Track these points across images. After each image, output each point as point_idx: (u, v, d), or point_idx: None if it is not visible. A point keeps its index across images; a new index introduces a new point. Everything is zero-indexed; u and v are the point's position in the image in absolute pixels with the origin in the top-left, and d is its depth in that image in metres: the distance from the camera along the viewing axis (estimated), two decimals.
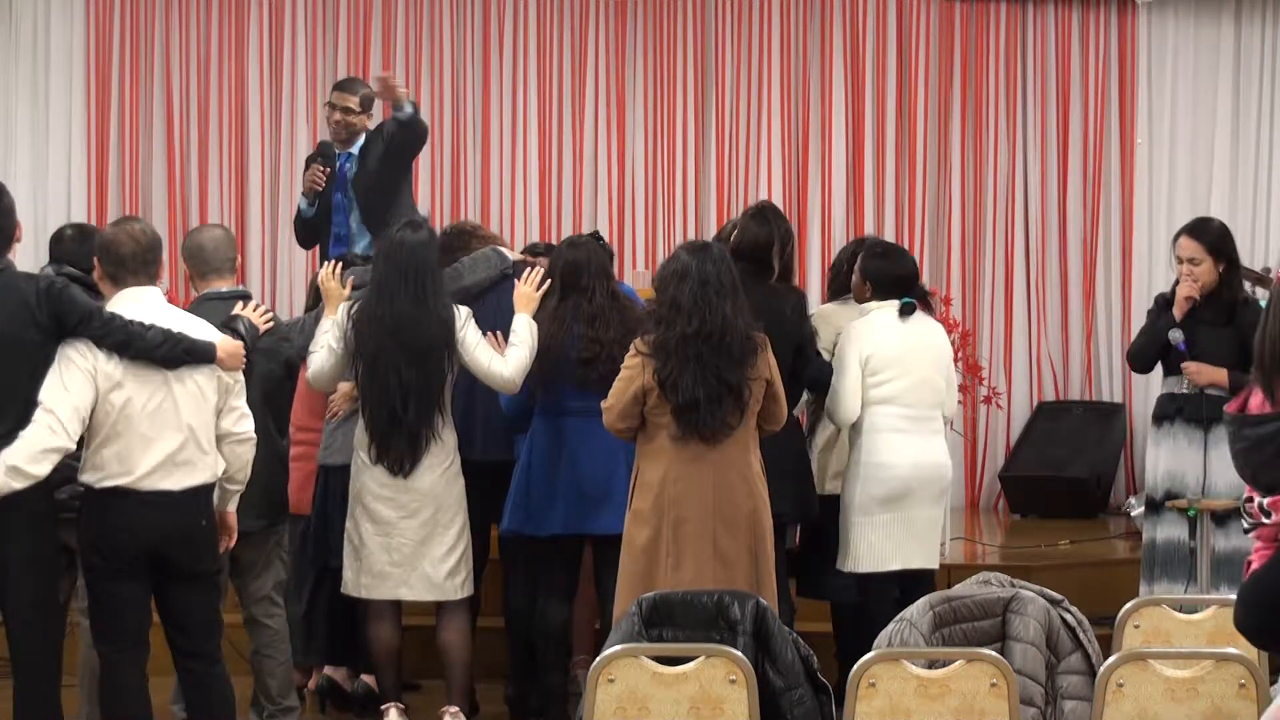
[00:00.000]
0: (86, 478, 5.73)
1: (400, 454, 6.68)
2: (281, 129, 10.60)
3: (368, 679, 7.22)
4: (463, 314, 6.77)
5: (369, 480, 6.75)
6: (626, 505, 6.35)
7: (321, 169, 8.41)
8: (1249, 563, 3.87)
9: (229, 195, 10.60)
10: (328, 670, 7.31)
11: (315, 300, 7.53)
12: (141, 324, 5.65)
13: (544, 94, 10.62)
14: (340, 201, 8.49)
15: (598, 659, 4.86)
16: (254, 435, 5.96)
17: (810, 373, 7.01)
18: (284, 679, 6.66)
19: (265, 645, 6.60)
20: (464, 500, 6.82)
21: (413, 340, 6.65)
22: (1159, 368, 7.50)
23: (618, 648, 4.89)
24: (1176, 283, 7.34)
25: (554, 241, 8.69)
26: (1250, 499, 3.63)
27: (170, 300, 6.15)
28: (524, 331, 6.77)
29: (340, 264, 7.06)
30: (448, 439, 6.77)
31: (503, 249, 7.54)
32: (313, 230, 8.67)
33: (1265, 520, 3.58)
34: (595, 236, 7.76)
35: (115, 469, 5.70)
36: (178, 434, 5.72)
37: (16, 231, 5.90)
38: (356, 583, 6.80)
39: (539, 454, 6.90)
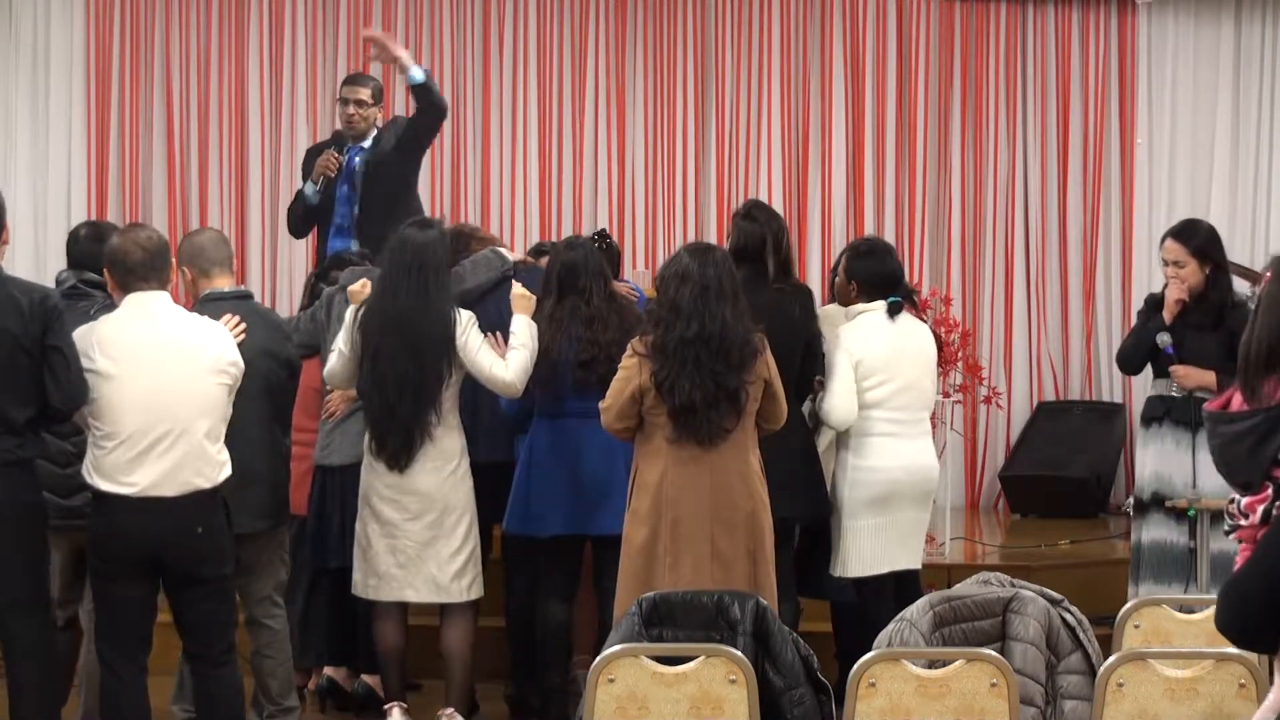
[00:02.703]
0: (90, 480, 5.78)
1: (395, 449, 6.66)
2: (281, 129, 10.60)
3: (368, 679, 7.22)
4: (464, 318, 6.74)
5: (375, 480, 6.73)
6: (626, 506, 6.35)
7: (335, 156, 8.44)
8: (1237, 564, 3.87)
9: (229, 195, 10.59)
10: (328, 670, 7.31)
11: (310, 299, 7.53)
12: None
13: (544, 94, 10.61)
14: (345, 194, 8.51)
15: (598, 659, 4.87)
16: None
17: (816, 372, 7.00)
18: (284, 679, 6.66)
19: (265, 645, 6.60)
20: (472, 502, 6.79)
21: (413, 335, 6.63)
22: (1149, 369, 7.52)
23: (618, 647, 4.89)
24: (1166, 285, 7.35)
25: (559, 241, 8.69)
26: (1233, 500, 3.63)
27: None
28: (524, 334, 6.74)
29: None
30: (448, 441, 6.73)
31: (502, 250, 7.55)
32: (311, 217, 8.67)
33: (1242, 522, 3.57)
34: (602, 235, 7.76)
35: (114, 473, 5.74)
36: (177, 439, 5.75)
37: (3, 234, 5.90)
38: (364, 584, 6.79)
39: (539, 455, 6.90)
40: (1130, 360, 7.51)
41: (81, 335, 5.84)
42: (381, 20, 10.57)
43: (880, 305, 6.94)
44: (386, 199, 8.28)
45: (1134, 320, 10.20)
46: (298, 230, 8.98)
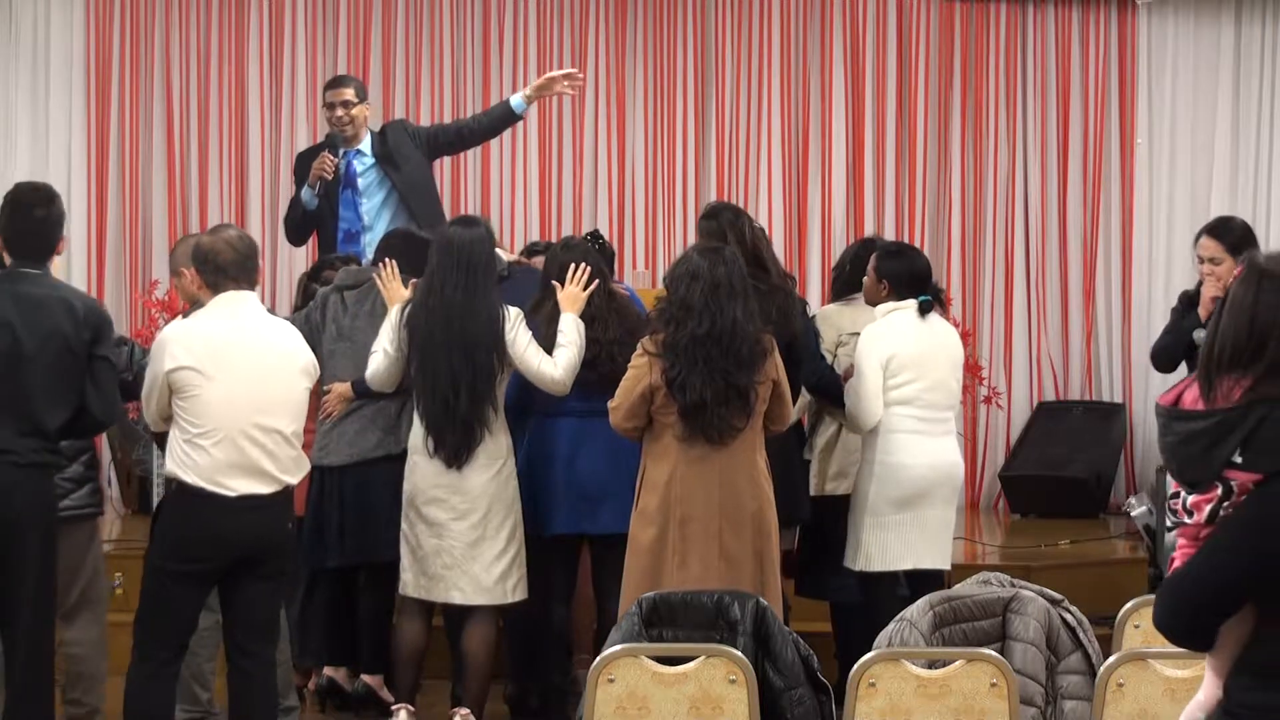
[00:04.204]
0: (186, 479, 5.73)
1: (455, 445, 6.63)
2: (281, 129, 10.60)
3: (368, 679, 7.22)
4: (512, 315, 6.72)
5: (421, 481, 6.70)
6: (633, 505, 6.35)
7: (331, 158, 8.43)
8: (1171, 560, 3.85)
9: (229, 195, 10.58)
10: (328, 670, 7.30)
11: (304, 300, 7.53)
12: (121, 401, 5.94)
13: None
14: (349, 198, 8.50)
15: (598, 659, 4.87)
16: None
17: (805, 374, 6.97)
18: (284, 679, 6.65)
19: None
20: (517, 502, 6.77)
21: (463, 331, 6.62)
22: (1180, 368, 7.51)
23: (618, 647, 4.89)
24: (1200, 282, 7.33)
25: (554, 241, 8.68)
26: (1176, 495, 3.59)
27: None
28: (571, 331, 6.73)
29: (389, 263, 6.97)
30: (501, 437, 6.72)
31: (499, 251, 7.54)
32: (311, 223, 8.65)
33: (1187, 520, 3.54)
34: (595, 235, 7.77)
35: (213, 474, 5.71)
36: (273, 439, 5.76)
37: (59, 245, 5.95)
38: (416, 584, 6.76)
39: (538, 455, 6.90)
40: (1165, 356, 7.49)
41: (175, 334, 5.83)
42: (381, 20, 10.58)
43: (911, 304, 6.94)
44: (432, 214, 8.30)
45: (1135, 320, 10.29)
46: (297, 238, 8.95)
